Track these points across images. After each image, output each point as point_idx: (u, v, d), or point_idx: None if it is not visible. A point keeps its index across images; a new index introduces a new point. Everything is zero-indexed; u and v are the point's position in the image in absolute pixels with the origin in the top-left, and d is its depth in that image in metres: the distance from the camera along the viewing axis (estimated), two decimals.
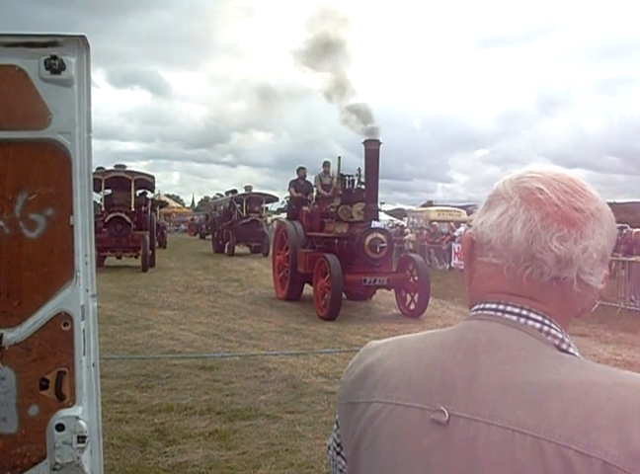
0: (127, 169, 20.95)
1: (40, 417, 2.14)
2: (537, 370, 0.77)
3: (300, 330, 9.59)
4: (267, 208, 30.84)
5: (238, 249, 26.62)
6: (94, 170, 2.60)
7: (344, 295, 11.06)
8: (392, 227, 25.61)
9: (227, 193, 32.60)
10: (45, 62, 2.08)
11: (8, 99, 2.08)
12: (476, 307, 0.88)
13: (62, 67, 2.09)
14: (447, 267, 21.53)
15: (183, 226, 55.70)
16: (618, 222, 0.90)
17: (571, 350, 0.83)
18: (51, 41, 2.11)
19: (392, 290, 11.56)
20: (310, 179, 14.45)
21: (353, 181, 12.28)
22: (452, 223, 27.13)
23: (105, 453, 2.68)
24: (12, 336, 2.12)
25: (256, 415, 5.39)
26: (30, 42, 2.10)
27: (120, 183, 19.61)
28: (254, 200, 27.98)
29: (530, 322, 0.83)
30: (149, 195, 22.38)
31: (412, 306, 11.14)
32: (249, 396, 5.96)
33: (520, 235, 0.82)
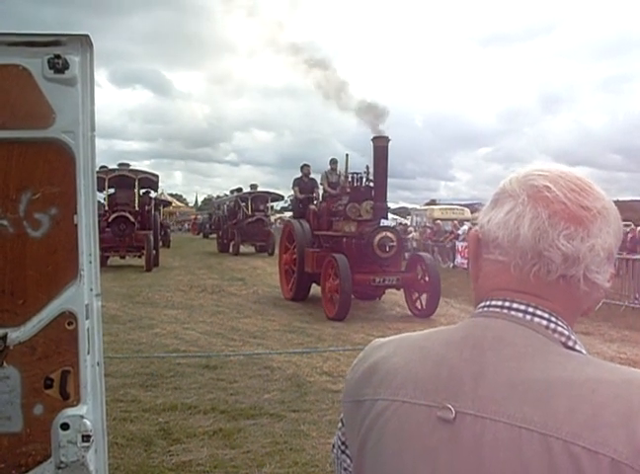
0: (131, 168, 20.89)
1: (45, 416, 2.14)
2: (544, 367, 0.77)
3: (304, 329, 9.59)
4: (272, 207, 30.66)
5: (243, 248, 26.46)
6: (97, 169, 2.60)
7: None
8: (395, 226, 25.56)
9: (232, 191, 32.42)
10: (49, 61, 2.08)
11: (11, 98, 2.09)
12: (482, 304, 0.88)
13: (66, 66, 2.09)
14: (451, 265, 21.50)
15: (186, 225, 55.78)
16: (622, 220, 0.90)
17: (577, 347, 0.83)
18: (55, 41, 2.11)
19: (401, 290, 11.36)
20: (316, 177, 14.29)
21: (361, 178, 12.05)
22: (456, 221, 27.09)
23: (109, 452, 2.68)
24: (16, 335, 2.13)
25: (260, 414, 5.40)
26: (33, 42, 2.10)
27: (123, 181, 19.48)
28: (259, 199, 27.70)
29: (537, 319, 0.83)
30: (152, 194, 22.29)
31: (421, 306, 10.97)
32: (253, 395, 5.96)
33: (527, 232, 0.82)
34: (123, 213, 18.83)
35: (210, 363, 7.12)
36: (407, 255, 13.16)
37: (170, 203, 43.88)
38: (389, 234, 10.68)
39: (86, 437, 2.15)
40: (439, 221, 26.97)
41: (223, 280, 16.21)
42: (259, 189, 28.88)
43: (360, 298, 11.67)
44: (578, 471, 0.69)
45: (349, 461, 0.97)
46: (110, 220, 18.51)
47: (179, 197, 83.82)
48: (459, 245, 21.50)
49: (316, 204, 13.29)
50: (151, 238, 18.77)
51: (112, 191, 19.93)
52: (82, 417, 2.14)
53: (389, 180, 11.44)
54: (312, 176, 14.58)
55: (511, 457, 0.73)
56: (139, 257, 19.08)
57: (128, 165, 21.22)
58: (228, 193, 35.50)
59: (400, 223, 30.56)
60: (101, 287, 2.26)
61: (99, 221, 2.36)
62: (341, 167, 13.18)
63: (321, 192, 13.62)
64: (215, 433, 4.92)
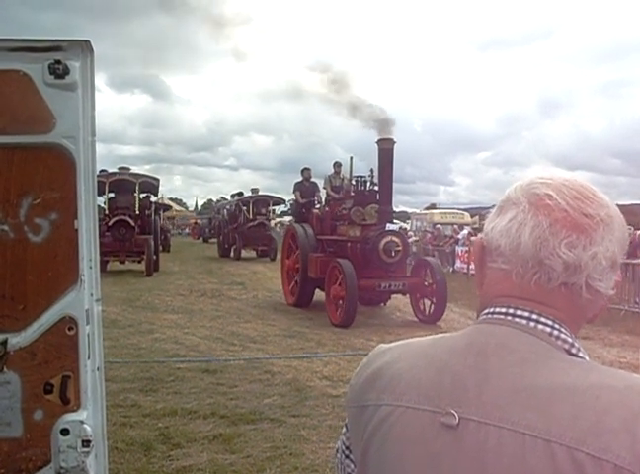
0: (132, 171, 20.81)
1: (45, 421, 2.14)
2: (548, 374, 0.77)
3: (304, 333, 9.58)
4: (273, 211, 30.51)
5: (244, 253, 26.23)
6: (97, 173, 2.59)
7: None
8: None
9: (233, 195, 32.22)
10: (50, 67, 2.08)
11: (12, 103, 2.09)
12: (486, 311, 0.88)
13: (66, 72, 2.09)
14: (451, 269, 21.50)
15: (187, 230, 55.76)
16: None
17: (580, 354, 0.84)
18: (55, 46, 2.11)
19: (407, 295, 11.14)
20: (318, 181, 14.09)
21: (365, 182, 11.80)
22: (456, 226, 27.10)
23: (109, 457, 2.67)
24: (17, 340, 2.12)
25: (260, 418, 5.38)
26: (34, 47, 2.10)
27: (123, 185, 19.29)
28: (260, 203, 27.39)
29: (540, 326, 0.83)
30: (153, 198, 22.19)
31: (428, 312, 10.74)
32: (253, 400, 5.95)
33: (528, 241, 0.82)
34: (124, 217, 18.67)
35: (210, 368, 7.11)
36: (409, 259, 13.01)
37: (170, 208, 43.87)
38: (395, 238, 10.45)
39: (86, 443, 2.14)
40: (438, 226, 26.98)
41: (223, 285, 16.18)
42: (260, 193, 28.76)
43: (365, 304, 11.42)
44: None
45: (352, 466, 0.98)
46: (110, 224, 18.32)
47: (179, 202, 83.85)
48: (459, 249, 21.52)
49: (319, 208, 13.10)
50: (152, 243, 18.60)
51: (112, 195, 19.80)
52: (82, 422, 2.14)
53: None
54: (313, 179, 14.47)
55: (514, 463, 0.73)
56: (139, 262, 18.90)
57: (129, 169, 21.10)
58: (229, 196, 35.40)
59: (400, 227, 30.58)
60: (101, 292, 2.26)
61: (99, 225, 2.36)
62: (345, 170, 13.01)
63: (324, 195, 13.41)
64: (215, 437, 4.91)
